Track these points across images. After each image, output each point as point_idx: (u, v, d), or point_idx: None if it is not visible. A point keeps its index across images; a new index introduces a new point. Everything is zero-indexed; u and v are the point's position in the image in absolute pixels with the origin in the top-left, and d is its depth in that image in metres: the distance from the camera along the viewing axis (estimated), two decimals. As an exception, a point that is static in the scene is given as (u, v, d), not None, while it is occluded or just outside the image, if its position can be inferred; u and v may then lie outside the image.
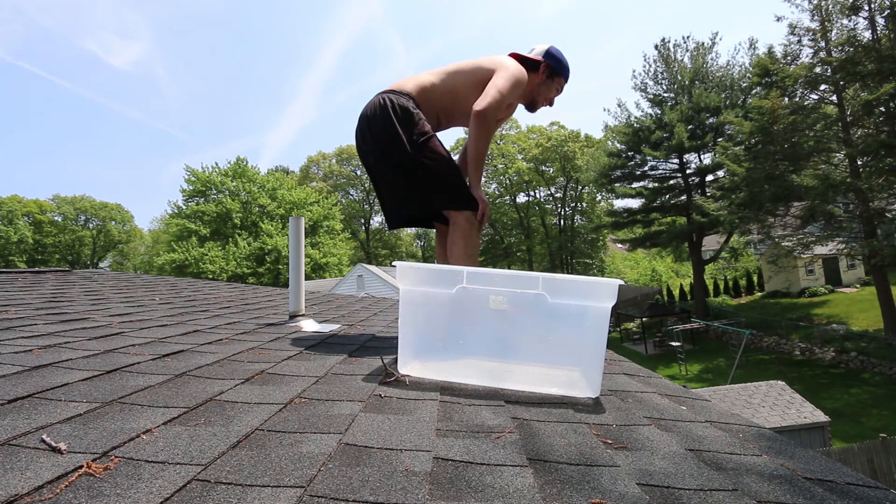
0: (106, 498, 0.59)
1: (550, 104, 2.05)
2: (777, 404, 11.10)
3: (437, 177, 1.77)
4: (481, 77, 1.83)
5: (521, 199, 45.30)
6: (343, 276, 25.44)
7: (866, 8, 16.89)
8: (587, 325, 1.23)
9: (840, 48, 17.22)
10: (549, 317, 1.25)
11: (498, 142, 42.15)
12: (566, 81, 2.03)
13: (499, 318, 1.29)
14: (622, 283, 1.25)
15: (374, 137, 1.80)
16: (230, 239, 28.16)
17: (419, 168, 1.75)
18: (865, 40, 16.85)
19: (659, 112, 27.72)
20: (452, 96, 1.88)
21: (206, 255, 26.56)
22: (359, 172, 47.06)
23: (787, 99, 18.71)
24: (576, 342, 1.26)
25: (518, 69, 1.85)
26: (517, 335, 1.31)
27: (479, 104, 1.75)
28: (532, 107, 2.05)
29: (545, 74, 1.97)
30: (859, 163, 17.56)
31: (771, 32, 74.42)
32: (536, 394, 1.25)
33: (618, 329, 28.72)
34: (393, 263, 1.37)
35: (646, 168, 28.86)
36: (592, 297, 1.21)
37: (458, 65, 1.89)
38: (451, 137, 43.26)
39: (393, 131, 1.74)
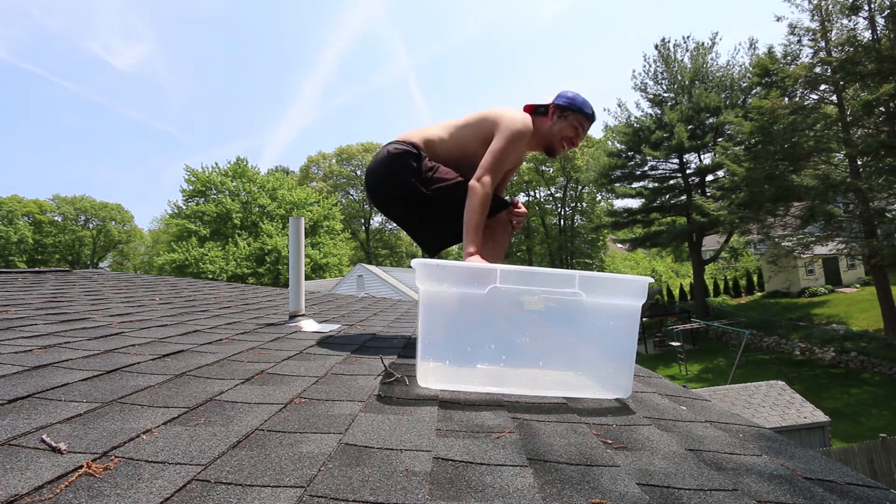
0: (106, 498, 0.59)
1: (572, 145, 1.91)
2: (777, 404, 11.10)
3: (454, 202, 1.78)
4: (488, 131, 1.82)
5: (521, 199, 45.25)
6: (343, 276, 25.43)
7: (866, 8, 16.89)
8: (622, 324, 1.21)
9: (840, 48, 17.22)
10: (585, 317, 1.22)
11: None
12: (588, 120, 1.90)
13: (534, 320, 1.23)
14: (651, 280, 1.25)
15: (382, 188, 1.88)
16: (230, 239, 28.15)
17: (434, 201, 1.80)
18: (865, 40, 16.86)
19: (659, 112, 27.72)
20: (461, 151, 1.88)
21: (206, 255, 26.55)
22: (358, 172, 47.04)
23: (787, 99, 18.71)
24: (611, 342, 1.24)
25: (516, 124, 1.78)
26: (553, 337, 1.26)
27: (475, 176, 1.75)
28: (550, 151, 1.94)
29: (556, 115, 1.89)
30: (859, 163, 17.57)
31: (771, 32, 74.42)
32: (574, 398, 1.23)
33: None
34: (410, 263, 1.34)
35: (646, 168, 28.86)
36: (626, 294, 1.19)
37: (465, 118, 1.90)
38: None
39: (397, 179, 1.81)
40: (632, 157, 28.73)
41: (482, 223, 1.72)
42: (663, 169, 28.84)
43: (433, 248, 2.00)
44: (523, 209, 1.94)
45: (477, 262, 1.60)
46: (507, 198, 2.05)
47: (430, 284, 1.16)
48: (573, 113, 1.88)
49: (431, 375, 1.20)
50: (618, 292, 1.20)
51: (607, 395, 1.24)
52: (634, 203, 30.14)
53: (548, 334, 1.25)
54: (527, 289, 1.19)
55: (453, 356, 1.22)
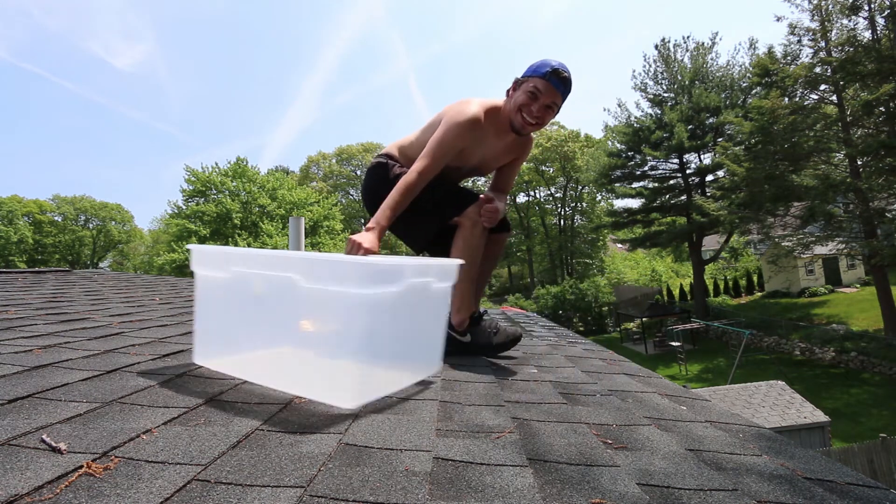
0: (106, 498, 0.59)
1: (530, 113, 1.70)
2: (777, 404, 11.09)
3: (420, 203, 1.76)
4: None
5: (521, 199, 45.35)
6: (343, 276, 25.40)
7: (866, 8, 16.88)
8: (343, 312, 1.03)
9: (840, 48, 17.21)
10: (306, 304, 1.07)
11: (498, 142, 42.05)
12: (544, 79, 1.66)
13: (260, 306, 1.16)
14: (376, 262, 1.05)
15: (365, 199, 1.96)
16: (230, 239, 28.13)
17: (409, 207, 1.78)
18: (865, 40, 16.84)
19: (659, 112, 27.70)
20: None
21: (206, 255, 26.52)
22: (358, 172, 47.08)
23: (787, 99, 18.69)
24: (333, 336, 1.09)
25: (456, 114, 1.71)
26: (276, 325, 1.16)
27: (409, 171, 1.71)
28: (514, 127, 1.78)
29: (514, 89, 1.75)
30: (859, 163, 17.56)
31: (771, 32, 74.35)
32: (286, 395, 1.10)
33: (618, 329, 28.73)
34: (187, 246, 1.20)
35: (646, 168, 28.84)
36: (350, 281, 0.99)
37: (431, 118, 1.88)
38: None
39: (374, 188, 1.88)
40: (632, 157, 28.71)
41: (397, 204, 1.65)
42: (663, 169, 28.82)
43: (414, 247, 1.99)
44: (496, 205, 1.82)
45: (366, 236, 1.54)
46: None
47: (199, 268, 1.25)
48: (528, 78, 1.69)
49: (201, 354, 1.28)
50: (344, 278, 1.00)
51: (329, 400, 1.04)
52: (634, 203, 30.13)
53: (275, 322, 1.15)
54: (273, 274, 1.10)
55: (214, 340, 1.27)
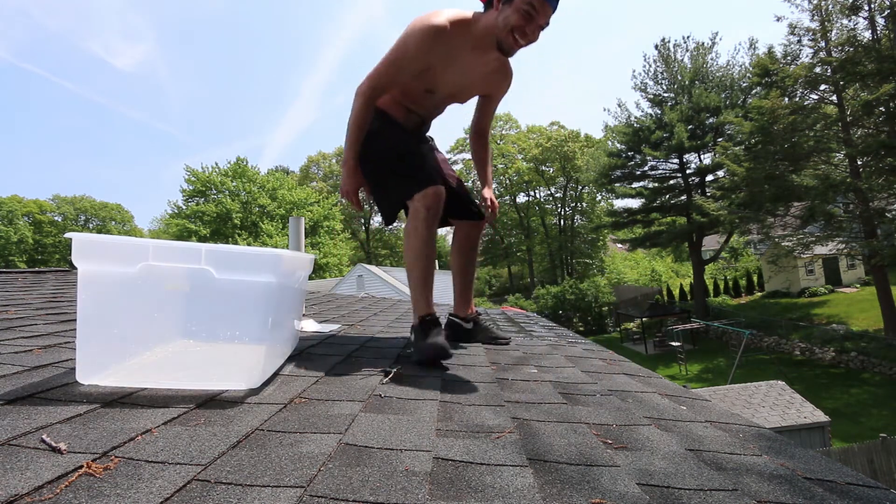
0: (106, 498, 0.59)
1: (524, 35, 1.51)
2: (777, 404, 11.09)
3: (377, 169, 1.69)
4: None
5: (521, 199, 45.34)
6: (343, 276, 25.42)
7: (866, 8, 16.88)
8: (249, 304, 1.08)
9: (840, 48, 17.21)
10: (219, 296, 1.08)
11: (498, 142, 42.18)
12: None
13: (177, 301, 1.11)
14: (287, 253, 1.14)
15: None
16: (230, 239, 28.14)
17: (364, 168, 1.72)
18: (865, 40, 16.84)
19: (659, 112, 27.70)
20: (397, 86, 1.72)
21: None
22: (359, 172, 47.03)
23: (787, 99, 18.68)
24: (239, 324, 1.13)
25: (417, 26, 1.53)
26: (189, 320, 1.14)
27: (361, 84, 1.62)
28: (502, 48, 1.57)
29: (501, 2, 1.52)
30: (859, 163, 17.55)
31: (771, 32, 74.27)
32: (203, 391, 1.08)
33: (618, 329, 28.72)
34: (66, 235, 1.05)
35: (646, 168, 28.83)
36: (253, 270, 1.06)
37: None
38: (448, 137, 43.10)
39: None
40: (632, 157, 28.70)
41: (353, 137, 1.61)
42: (663, 169, 28.81)
43: (385, 216, 1.83)
44: (490, 195, 1.87)
45: (349, 173, 1.68)
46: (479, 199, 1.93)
47: (86, 263, 1.00)
48: None
49: (90, 368, 1.05)
50: (248, 268, 1.06)
51: (233, 386, 1.10)
52: (634, 203, 30.12)
53: (188, 317, 1.14)
54: (189, 267, 1.05)
55: (109, 346, 1.09)
